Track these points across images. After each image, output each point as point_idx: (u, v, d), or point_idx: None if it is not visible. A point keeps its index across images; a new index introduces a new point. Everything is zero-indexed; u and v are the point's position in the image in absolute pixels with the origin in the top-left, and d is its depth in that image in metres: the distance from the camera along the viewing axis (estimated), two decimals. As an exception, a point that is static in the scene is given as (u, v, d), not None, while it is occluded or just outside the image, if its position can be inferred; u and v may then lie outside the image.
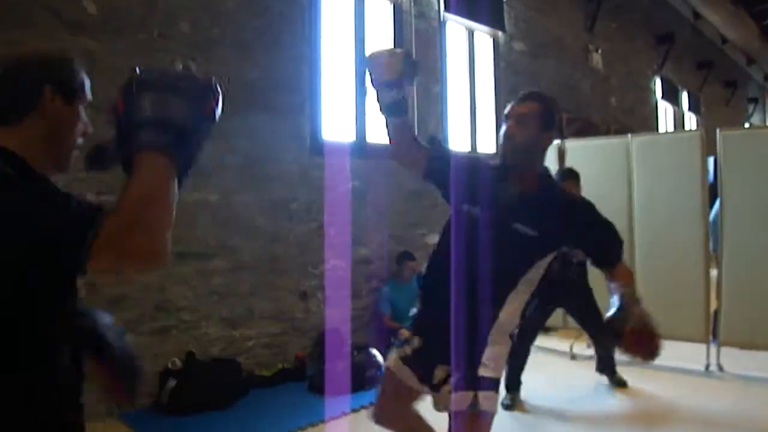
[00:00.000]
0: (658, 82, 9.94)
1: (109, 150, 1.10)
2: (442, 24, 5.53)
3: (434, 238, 5.20)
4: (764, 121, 15.65)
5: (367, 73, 1.79)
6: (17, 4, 3.02)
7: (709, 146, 4.27)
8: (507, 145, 1.83)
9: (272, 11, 4.14)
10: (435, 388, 1.85)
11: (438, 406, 1.87)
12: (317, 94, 4.43)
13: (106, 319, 1.23)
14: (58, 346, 1.06)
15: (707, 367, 4.13)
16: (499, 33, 6.20)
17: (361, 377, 3.71)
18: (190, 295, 3.68)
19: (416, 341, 1.89)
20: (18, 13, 3.01)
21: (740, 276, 4.03)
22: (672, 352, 4.30)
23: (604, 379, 3.88)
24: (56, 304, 1.04)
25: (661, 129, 10.05)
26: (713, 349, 4.14)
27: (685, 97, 11.11)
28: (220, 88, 1.09)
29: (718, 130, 4.21)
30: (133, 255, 0.98)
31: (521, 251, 1.77)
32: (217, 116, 1.11)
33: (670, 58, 9.88)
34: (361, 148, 4.70)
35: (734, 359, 4.12)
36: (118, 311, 3.35)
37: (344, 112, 4.75)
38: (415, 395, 1.94)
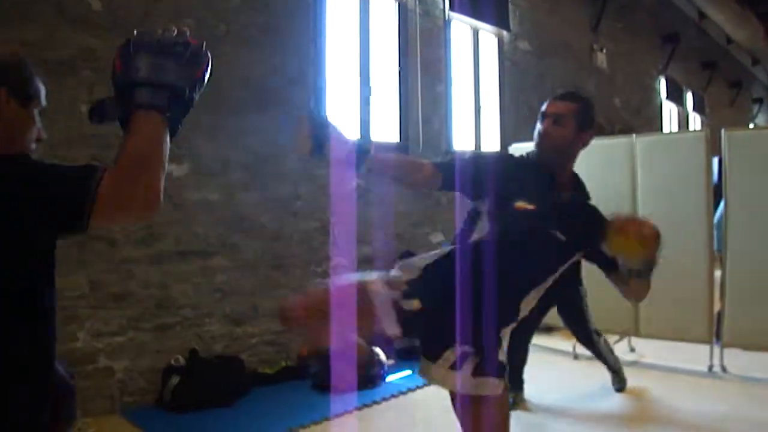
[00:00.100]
0: (662, 82, 9.91)
1: (108, 105, 1.15)
2: (446, 23, 5.53)
3: (438, 237, 5.24)
4: (769, 121, 15.60)
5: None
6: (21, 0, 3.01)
7: (713, 147, 4.26)
8: (543, 144, 1.83)
9: (277, 9, 4.14)
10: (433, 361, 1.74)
11: (428, 376, 1.76)
12: (322, 93, 4.43)
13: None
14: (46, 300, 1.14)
15: (710, 368, 4.11)
16: (504, 32, 6.19)
17: (366, 375, 3.71)
18: (193, 292, 3.68)
19: (415, 303, 1.68)
20: (21, 9, 3.00)
21: (744, 277, 4.01)
22: (675, 353, 4.34)
23: (607, 379, 3.87)
24: (51, 268, 1.13)
25: (666, 129, 10.01)
26: (716, 350, 4.13)
27: (689, 97, 11.07)
28: (209, 54, 1.18)
29: (722, 131, 4.19)
30: (132, 206, 1.07)
31: (553, 254, 1.80)
32: (206, 79, 1.20)
33: (675, 58, 9.84)
34: (365, 146, 4.69)
35: (737, 360, 4.11)
36: (120, 308, 3.37)
37: (349, 110, 4.75)
38: (370, 326, 1.65)
